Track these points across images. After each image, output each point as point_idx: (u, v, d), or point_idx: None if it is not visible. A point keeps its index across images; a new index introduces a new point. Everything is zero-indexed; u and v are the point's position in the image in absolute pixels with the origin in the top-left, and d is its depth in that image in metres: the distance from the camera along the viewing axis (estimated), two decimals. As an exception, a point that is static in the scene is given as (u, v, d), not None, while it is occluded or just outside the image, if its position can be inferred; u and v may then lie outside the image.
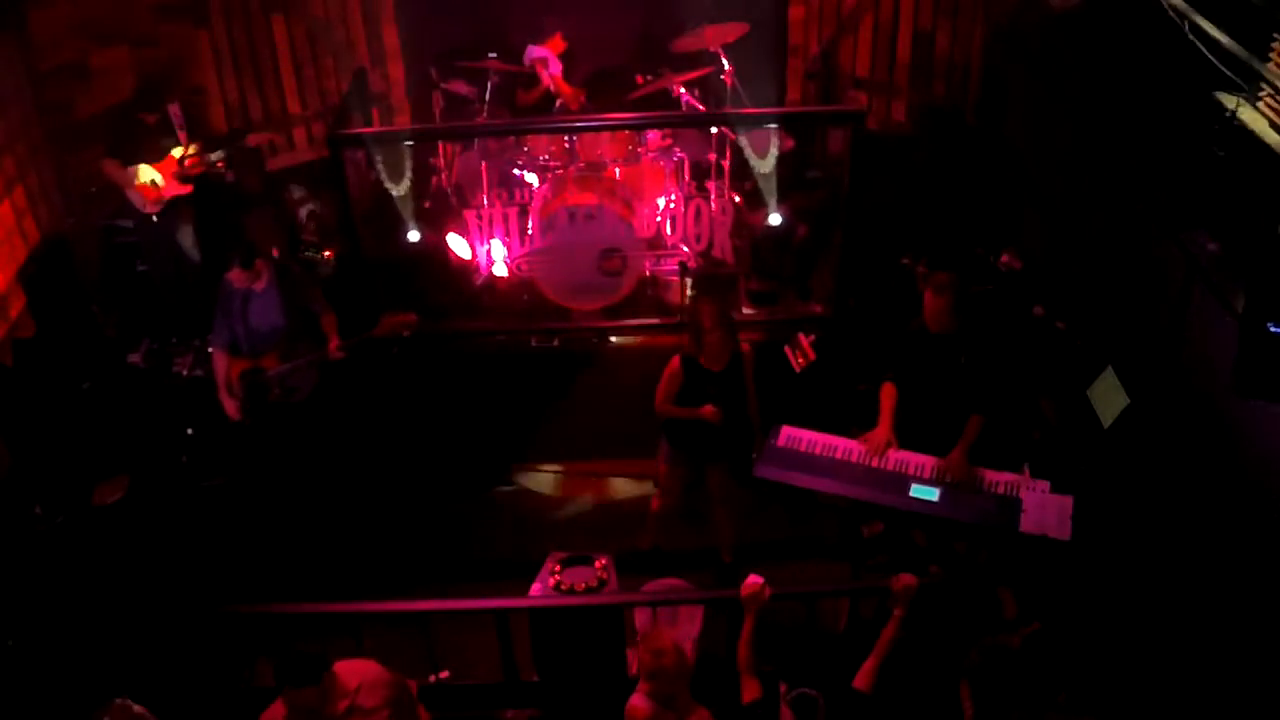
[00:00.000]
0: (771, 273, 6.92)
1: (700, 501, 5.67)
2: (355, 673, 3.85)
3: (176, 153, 6.47)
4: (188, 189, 6.54)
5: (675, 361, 5.11)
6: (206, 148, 6.59)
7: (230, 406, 5.64)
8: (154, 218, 6.56)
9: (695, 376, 5.06)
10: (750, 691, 3.86)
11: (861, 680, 3.87)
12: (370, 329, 5.54)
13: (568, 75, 7.32)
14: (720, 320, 4.97)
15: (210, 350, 5.71)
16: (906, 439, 5.02)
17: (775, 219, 7.01)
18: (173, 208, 6.56)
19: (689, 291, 6.71)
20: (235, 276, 5.48)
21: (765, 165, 7.06)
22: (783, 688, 3.91)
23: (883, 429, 5.02)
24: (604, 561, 4.95)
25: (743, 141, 7.02)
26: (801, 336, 6.28)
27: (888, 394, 5.11)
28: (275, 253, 6.77)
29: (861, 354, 6.17)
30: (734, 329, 5.08)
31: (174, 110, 6.43)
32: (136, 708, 3.64)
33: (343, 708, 3.74)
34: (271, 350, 5.56)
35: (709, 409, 5.02)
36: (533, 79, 7.31)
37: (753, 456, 5.17)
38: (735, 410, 5.14)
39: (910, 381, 5.11)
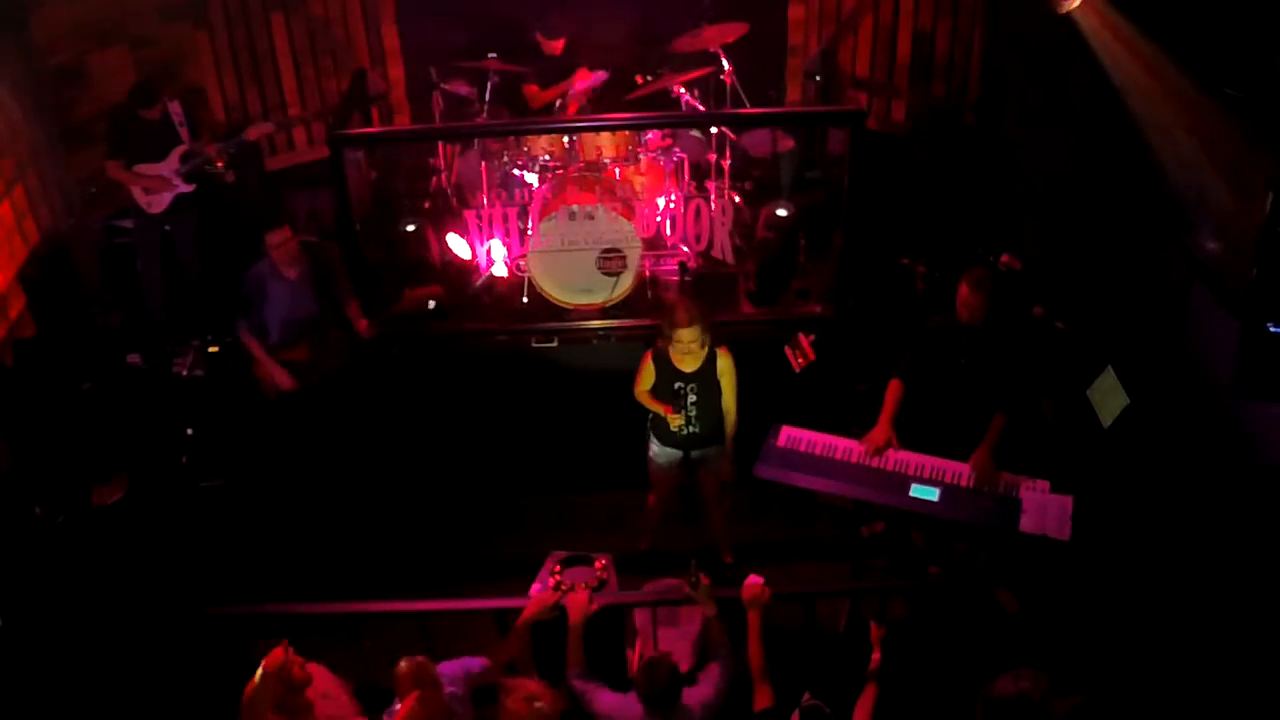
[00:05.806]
0: (775, 269, 6.90)
1: (697, 501, 5.67)
2: (323, 677, 3.87)
3: (178, 151, 6.46)
4: (191, 188, 6.53)
5: (647, 357, 5.09)
6: (214, 145, 6.58)
7: (282, 376, 5.65)
8: (158, 217, 6.55)
9: (668, 374, 5.05)
10: (762, 699, 3.80)
11: (860, 716, 3.80)
12: (391, 305, 5.57)
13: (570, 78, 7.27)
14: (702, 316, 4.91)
15: (240, 337, 5.72)
16: (917, 439, 5.02)
17: (781, 211, 6.99)
18: (176, 208, 6.55)
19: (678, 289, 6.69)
20: (275, 251, 5.45)
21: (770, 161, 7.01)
22: (806, 697, 3.86)
23: (882, 429, 5.01)
24: (604, 561, 4.95)
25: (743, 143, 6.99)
26: (801, 336, 6.27)
27: (892, 392, 5.10)
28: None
29: (861, 354, 6.17)
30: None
31: (174, 108, 6.41)
32: None
33: (307, 699, 3.73)
34: (303, 341, 5.59)
35: (668, 410, 5.02)
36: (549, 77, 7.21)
37: (739, 455, 5.16)
38: (714, 409, 5.12)
39: (926, 380, 5.09)
